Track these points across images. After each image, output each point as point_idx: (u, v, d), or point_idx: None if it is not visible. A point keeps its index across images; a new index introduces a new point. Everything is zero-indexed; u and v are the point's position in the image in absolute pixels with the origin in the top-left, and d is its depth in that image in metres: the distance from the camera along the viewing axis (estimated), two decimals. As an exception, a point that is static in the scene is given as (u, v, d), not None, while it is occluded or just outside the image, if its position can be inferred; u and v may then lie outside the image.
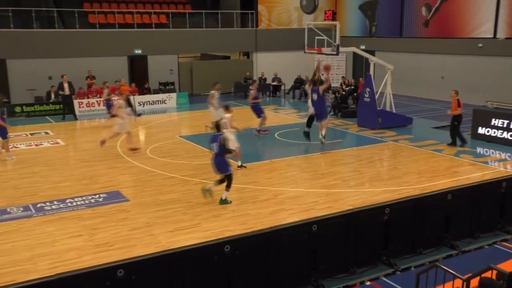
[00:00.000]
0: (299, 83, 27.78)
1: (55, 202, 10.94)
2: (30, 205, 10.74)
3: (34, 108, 22.21)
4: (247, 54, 32.27)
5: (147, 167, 13.74)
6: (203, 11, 29.88)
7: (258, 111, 17.87)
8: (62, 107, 21.82)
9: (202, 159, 14.45)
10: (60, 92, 21.61)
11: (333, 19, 28.43)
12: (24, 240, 9.00)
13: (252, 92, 17.97)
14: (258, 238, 7.58)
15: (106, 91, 20.92)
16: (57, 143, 17.03)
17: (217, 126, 10.87)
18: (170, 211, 10.38)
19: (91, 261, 7.91)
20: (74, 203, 10.89)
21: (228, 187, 10.68)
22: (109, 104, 20.26)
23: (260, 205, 10.69)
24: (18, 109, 21.92)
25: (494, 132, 16.31)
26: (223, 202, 10.72)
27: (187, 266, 6.98)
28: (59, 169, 13.83)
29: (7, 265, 8.05)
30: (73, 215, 10.22)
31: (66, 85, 21.30)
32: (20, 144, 16.72)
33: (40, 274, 7.43)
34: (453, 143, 15.73)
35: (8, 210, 10.54)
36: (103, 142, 15.33)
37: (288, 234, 7.74)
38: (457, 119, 15.59)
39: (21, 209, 10.58)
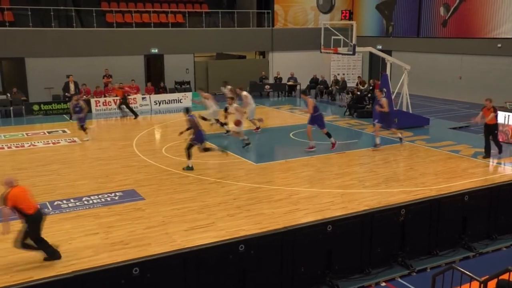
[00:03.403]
0: (314, 82, 27.77)
1: (72, 200, 11.05)
2: (47, 203, 10.84)
3: (52, 107, 22.43)
4: (263, 54, 32.22)
5: (163, 166, 13.80)
6: (220, 10, 29.98)
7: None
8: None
9: (217, 158, 14.47)
10: (66, 94, 21.87)
11: (350, 18, 28.35)
12: (41, 237, 9.08)
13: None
14: (272, 237, 7.56)
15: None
16: (74, 141, 17.19)
17: (187, 109, 13.71)
18: (185, 210, 10.42)
19: (107, 259, 7.97)
20: (91, 201, 10.99)
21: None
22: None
23: (275, 204, 10.68)
24: (36, 107, 22.17)
25: (513, 133, 16.08)
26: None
27: (202, 265, 6.99)
28: (75, 167, 13.96)
29: (24, 262, 8.13)
30: (89, 213, 10.31)
31: (72, 86, 21.56)
32: (38, 142, 16.90)
33: (56, 271, 7.52)
34: (499, 151, 14.69)
35: (26, 207, 10.64)
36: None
37: (302, 234, 7.71)
38: (496, 127, 14.57)
39: (38, 206, 10.67)
